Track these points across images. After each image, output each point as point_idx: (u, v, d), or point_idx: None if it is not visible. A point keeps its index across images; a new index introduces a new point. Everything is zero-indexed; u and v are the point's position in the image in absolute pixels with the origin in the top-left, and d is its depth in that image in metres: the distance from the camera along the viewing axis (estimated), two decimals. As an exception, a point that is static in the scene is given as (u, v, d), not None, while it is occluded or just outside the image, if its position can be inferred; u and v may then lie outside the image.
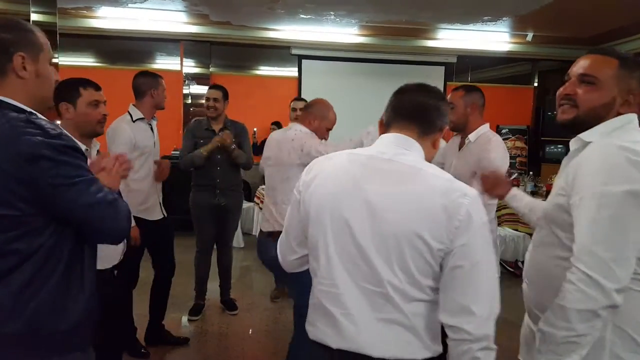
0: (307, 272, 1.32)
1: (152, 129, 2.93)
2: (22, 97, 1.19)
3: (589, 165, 1.23)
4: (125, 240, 2.02)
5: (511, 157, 7.40)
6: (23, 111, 1.17)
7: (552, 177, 4.41)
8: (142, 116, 2.85)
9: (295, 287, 2.38)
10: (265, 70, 7.28)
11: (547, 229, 1.38)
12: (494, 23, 6.20)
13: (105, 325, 1.53)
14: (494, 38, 6.89)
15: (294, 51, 6.98)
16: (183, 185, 3.62)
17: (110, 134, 2.73)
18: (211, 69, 6.85)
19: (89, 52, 6.73)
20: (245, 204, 6.18)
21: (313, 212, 1.20)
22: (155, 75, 2.93)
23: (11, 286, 1.13)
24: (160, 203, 2.99)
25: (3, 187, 1.09)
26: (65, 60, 5.91)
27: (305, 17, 6.04)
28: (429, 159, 1.22)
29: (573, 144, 1.35)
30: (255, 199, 5.57)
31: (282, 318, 3.63)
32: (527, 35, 6.68)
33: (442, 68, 7.23)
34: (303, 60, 7.07)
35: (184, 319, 3.54)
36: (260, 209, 5.15)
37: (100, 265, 1.40)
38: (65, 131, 1.21)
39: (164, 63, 6.88)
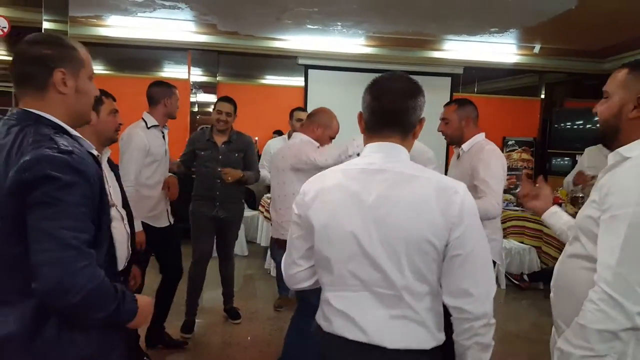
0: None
1: (164, 137, 3.01)
2: (61, 112, 1.20)
3: (623, 182, 1.22)
4: (129, 246, 2.03)
5: (517, 170, 7.37)
6: (56, 127, 1.17)
7: (559, 189, 4.39)
8: (157, 123, 2.94)
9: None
10: (271, 80, 7.33)
11: (576, 240, 1.37)
12: (501, 35, 6.20)
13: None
14: (501, 50, 6.88)
15: (301, 61, 7.02)
16: (187, 193, 3.61)
17: (125, 139, 2.80)
18: (218, 78, 6.90)
19: (98, 59, 6.81)
20: (250, 213, 6.19)
21: (319, 229, 1.23)
22: (169, 85, 3.02)
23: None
24: (167, 210, 3.03)
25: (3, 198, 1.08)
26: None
27: (312, 27, 6.08)
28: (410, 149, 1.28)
29: (611, 158, 1.35)
30: (260, 208, 5.57)
31: (285, 327, 3.58)
32: (534, 47, 6.68)
33: (449, 79, 7.23)
34: (310, 70, 7.10)
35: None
36: (265, 217, 5.17)
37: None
38: (82, 149, 1.18)
39: (172, 71, 6.95)
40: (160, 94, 2.95)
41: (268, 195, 4.97)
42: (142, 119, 2.93)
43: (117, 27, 6.20)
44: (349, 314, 1.20)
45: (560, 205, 3.43)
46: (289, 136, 4.33)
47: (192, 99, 6.81)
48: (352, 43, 6.74)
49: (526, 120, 7.54)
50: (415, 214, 1.14)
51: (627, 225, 1.16)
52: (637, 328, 1.13)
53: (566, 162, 6.80)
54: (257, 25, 6.08)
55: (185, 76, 6.80)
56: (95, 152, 1.26)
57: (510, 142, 7.42)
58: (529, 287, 4.68)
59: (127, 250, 2.02)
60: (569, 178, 3.88)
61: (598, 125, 1.40)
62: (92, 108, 2.05)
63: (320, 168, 2.28)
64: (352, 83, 7.12)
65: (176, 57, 6.90)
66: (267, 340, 3.43)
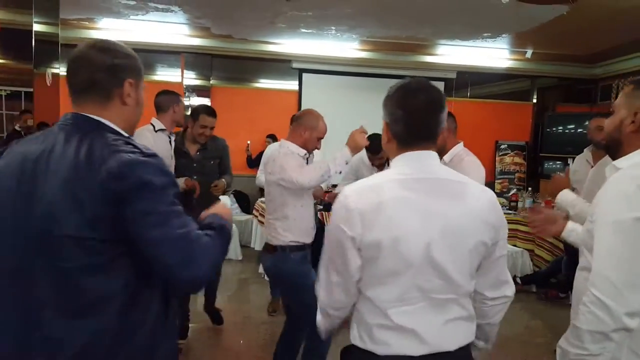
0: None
1: (170, 142, 3.04)
2: (120, 121, 1.17)
3: (607, 193, 1.30)
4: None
5: (510, 173, 7.42)
6: (121, 135, 1.15)
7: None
8: (164, 127, 2.98)
9: (298, 307, 2.54)
10: (265, 84, 7.32)
11: (582, 253, 1.45)
12: (493, 40, 6.26)
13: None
14: (493, 54, 6.94)
15: (295, 65, 7.03)
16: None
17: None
18: (212, 82, 6.88)
19: (90, 63, 6.75)
20: (244, 217, 6.17)
21: (388, 244, 1.17)
22: (176, 93, 3.13)
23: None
24: None
25: (91, 208, 1.02)
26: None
27: (306, 31, 6.09)
28: None
29: (608, 171, 1.41)
30: (254, 212, 5.55)
31: (279, 332, 3.58)
32: (526, 52, 6.74)
33: (442, 84, 7.25)
34: (304, 74, 7.11)
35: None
36: (259, 221, 5.14)
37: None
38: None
39: (165, 75, 6.92)
40: (169, 101, 3.02)
41: (262, 199, 4.96)
42: (151, 123, 2.97)
43: (109, 30, 6.16)
44: (409, 327, 1.19)
45: (553, 208, 3.46)
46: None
47: (185, 103, 6.79)
48: (346, 47, 6.77)
49: (518, 124, 7.59)
50: (475, 219, 1.20)
51: (611, 232, 1.23)
52: (627, 329, 1.18)
53: (558, 166, 6.85)
54: (251, 29, 6.09)
55: (178, 79, 6.78)
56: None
57: (502, 146, 7.47)
58: (521, 290, 4.69)
59: None
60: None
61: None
62: None
63: (306, 188, 2.33)
64: (346, 87, 7.19)
65: (169, 61, 6.87)
66: (261, 345, 3.42)
